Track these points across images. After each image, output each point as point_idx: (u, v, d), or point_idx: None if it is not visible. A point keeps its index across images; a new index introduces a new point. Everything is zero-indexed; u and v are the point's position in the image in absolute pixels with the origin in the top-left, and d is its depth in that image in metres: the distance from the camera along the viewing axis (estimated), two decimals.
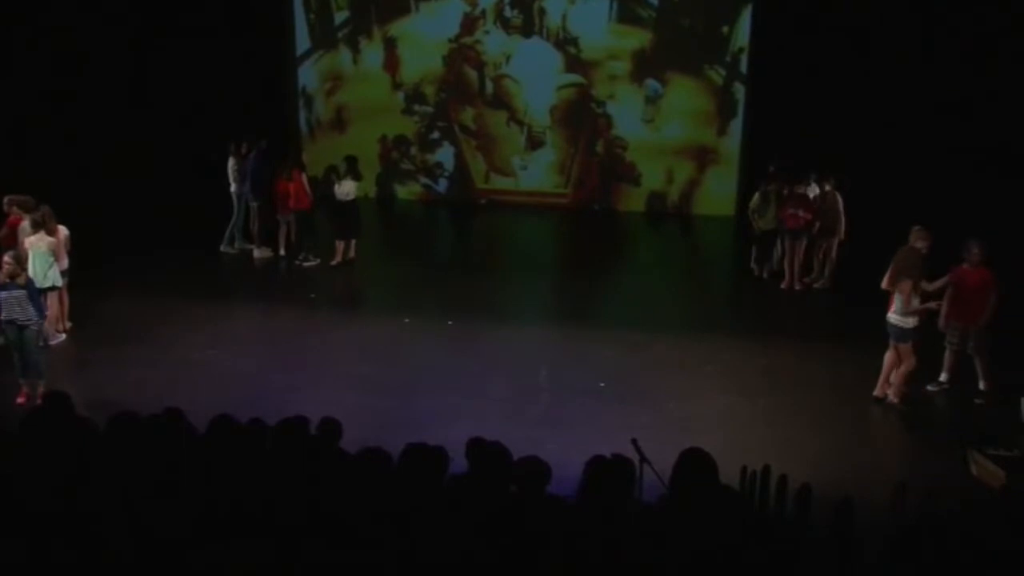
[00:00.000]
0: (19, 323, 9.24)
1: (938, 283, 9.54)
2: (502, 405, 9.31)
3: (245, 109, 15.69)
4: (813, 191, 12.90)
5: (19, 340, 9.29)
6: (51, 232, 10.49)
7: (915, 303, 9.17)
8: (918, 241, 9.55)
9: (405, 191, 18.00)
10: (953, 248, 9.68)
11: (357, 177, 13.77)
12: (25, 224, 10.59)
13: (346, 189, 13.61)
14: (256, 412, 6.16)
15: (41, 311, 9.51)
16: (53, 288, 10.51)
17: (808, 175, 12.97)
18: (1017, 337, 10.17)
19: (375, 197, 17.56)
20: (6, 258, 9.30)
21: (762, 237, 13.18)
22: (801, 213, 12.69)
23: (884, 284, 9.58)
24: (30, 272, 10.42)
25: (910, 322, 9.18)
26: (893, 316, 9.26)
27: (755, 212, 13.09)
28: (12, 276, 9.18)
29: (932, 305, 9.29)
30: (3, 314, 9.23)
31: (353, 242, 13.89)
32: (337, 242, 13.81)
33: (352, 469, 5.27)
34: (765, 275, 13.24)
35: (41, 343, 10.61)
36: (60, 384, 8.82)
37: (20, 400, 9.34)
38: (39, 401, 8.38)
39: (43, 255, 10.37)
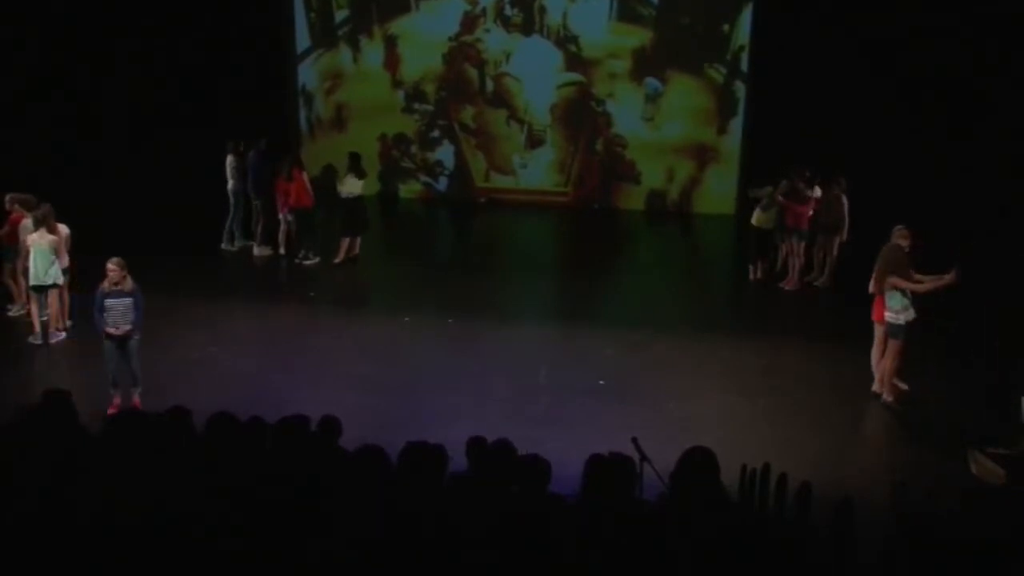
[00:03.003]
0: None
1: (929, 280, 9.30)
2: (502, 405, 9.29)
3: (245, 108, 15.68)
4: (816, 192, 12.87)
5: (123, 348, 8.99)
6: (52, 230, 10.52)
7: (907, 298, 9.10)
8: (901, 239, 9.51)
9: (405, 189, 18.01)
10: (952, 248, 9.65)
11: (360, 175, 13.72)
12: (27, 222, 10.68)
13: (349, 186, 13.61)
14: (256, 411, 6.15)
15: (140, 319, 8.97)
16: (54, 286, 10.53)
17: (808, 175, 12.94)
18: (1016, 336, 10.20)
19: (375, 195, 17.56)
20: (110, 264, 8.82)
21: (758, 235, 13.10)
22: (804, 218, 12.70)
23: (872, 287, 9.52)
24: (31, 269, 10.47)
25: (902, 318, 9.15)
26: (888, 314, 9.25)
27: (761, 204, 12.83)
28: (117, 283, 8.82)
29: (947, 277, 8.99)
30: (109, 322, 8.86)
31: (358, 239, 13.89)
32: (342, 239, 13.81)
33: (351, 466, 5.26)
34: (759, 275, 13.19)
35: (40, 341, 10.66)
36: (60, 383, 8.81)
37: (111, 411, 8.68)
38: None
39: (45, 252, 10.40)
